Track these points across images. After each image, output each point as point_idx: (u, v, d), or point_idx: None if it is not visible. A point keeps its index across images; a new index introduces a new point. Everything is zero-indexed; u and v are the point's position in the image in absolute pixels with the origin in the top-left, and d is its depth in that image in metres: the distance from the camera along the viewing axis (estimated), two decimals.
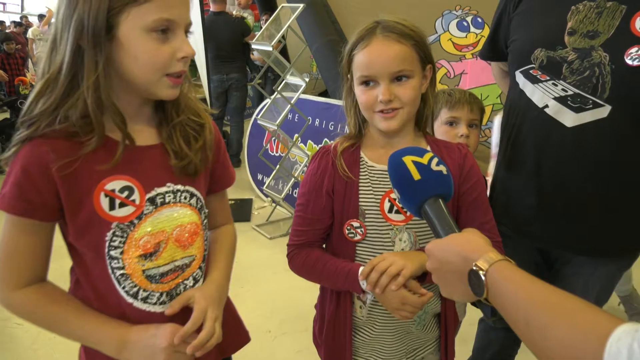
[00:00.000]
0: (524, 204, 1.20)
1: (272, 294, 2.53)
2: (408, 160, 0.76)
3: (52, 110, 0.73)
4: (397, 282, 0.88)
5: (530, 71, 1.14)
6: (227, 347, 0.96)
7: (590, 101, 1.06)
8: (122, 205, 0.78)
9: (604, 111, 1.05)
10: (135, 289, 0.82)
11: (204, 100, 3.75)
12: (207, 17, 4.32)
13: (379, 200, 0.96)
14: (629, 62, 1.01)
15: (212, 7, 4.44)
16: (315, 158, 1.03)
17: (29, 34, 8.21)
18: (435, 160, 0.77)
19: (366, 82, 0.93)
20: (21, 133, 0.74)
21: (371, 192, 0.97)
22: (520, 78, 1.18)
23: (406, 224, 0.96)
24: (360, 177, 0.98)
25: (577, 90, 1.07)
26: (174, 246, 0.84)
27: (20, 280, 0.78)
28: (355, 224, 0.97)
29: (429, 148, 1.00)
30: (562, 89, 1.09)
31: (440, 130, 1.36)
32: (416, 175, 0.75)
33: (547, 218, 1.18)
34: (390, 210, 0.96)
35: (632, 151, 1.08)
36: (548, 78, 1.11)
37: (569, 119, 1.09)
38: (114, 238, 0.78)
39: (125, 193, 0.79)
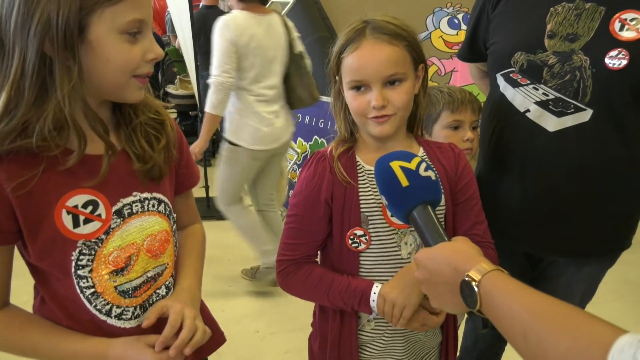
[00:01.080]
0: (509, 209, 1.19)
1: (260, 293, 2.51)
2: (395, 165, 0.74)
3: (20, 126, 0.66)
4: (400, 325, 0.88)
5: (511, 75, 1.13)
6: (203, 349, 0.91)
7: (572, 105, 1.05)
8: (87, 221, 0.73)
9: (586, 115, 1.04)
10: (107, 307, 0.78)
11: (193, 96, 3.71)
12: (198, 11, 4.27)
13: (381, 205, 0.91)
14: (609, 65, 1.00)
15: (204, 1, 4.40)
16: (309, 164, 0.96)
17: None
18: (424, 165, 0.75)
19: (357, 87, 0.88)
20: None
21: (372, 196, 0.92)
22: (500, 81, 1.16)
23: (410, 226, 0.93)
24: (359, 182, 0.93)
25: (558, 95, 1.06)
26: (145, 257, 0.80)
27: None
28: (359, 232, 0.92)
29: (421, 150, 0.97)
30: (543, 93, 1.08)
31: (442, 135, 1.27)
32: (404, 182, 0.73)
33: (532, 222, 1.17)
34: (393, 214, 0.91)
35: (614, 154, 1.07)
36: (529, 82, 1.10)
37: (550, 123, 1.08)
38: (81, 257, 0.73)
39: (89, 208, 0.73)
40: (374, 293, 0.90)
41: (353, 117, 0.93)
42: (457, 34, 3.34)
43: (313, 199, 0.93)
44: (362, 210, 0.92)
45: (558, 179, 1.10)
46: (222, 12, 4.59)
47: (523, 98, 1.11)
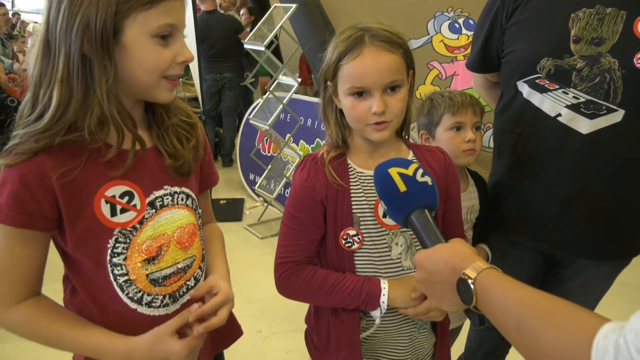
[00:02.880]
0: (543, 214, 1.19)
1: (262, 294, 2.51)
2: (394, 172, 0.77)
3: (70, 119, 0.71)
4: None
5: (537, 81, 1.13)
6: (222, 342, 0.97)
7: (604, 107, 1.06)
8: (123, 210, 0.77)
9: (618, 116, 1.06)
10: (139, 294, 0.81)
11: (195, 99, 3.73)
12: (200, 16, 4.30)
13: (372, 206, 0.94)
14: (639, 65, 1.02)
15: (203, 7, 4.43)
16: (302, 166, 0.98)
17: (30, 28, 8.00)
18: (420, 171, 0.78)
19: (357, 93, 0.90)
20: (25, 144, 0.70)
21: (364, 198, 0.94)
22: (524, 88, 1.17)
23: (401, 228, 0.94)
24: (351, 184, 0.95)
25: (589, 97, 1.08)
26: (175, 248, 0.84)
27: (16, 295, 0.75)
28: (352, 232, 0.94)
29: (410, 153, 1.00)
30: (574, 97, 1.09)
31: (444, 137, 1.29)
32: (402, 187, 0.76)
33: (567, 226, 1.17)
34: (384, 216, 0.93)
35: None
36: (557, 87, 1.11)
37: (584, 126, 1.09)
38: (117, 245, 0.77)
39: (126, 198, 0.78)
40: (384, 288, 0.92)
41: (351, 123, 0.94)
42: (458, 38, 3.35)
43: (308, 199, 0.95)
44: (354, 211, 0.94)
45: (593, 180, 1.11)
46: (222, 16, 4.63)
47: (553, 103, 1.12)
